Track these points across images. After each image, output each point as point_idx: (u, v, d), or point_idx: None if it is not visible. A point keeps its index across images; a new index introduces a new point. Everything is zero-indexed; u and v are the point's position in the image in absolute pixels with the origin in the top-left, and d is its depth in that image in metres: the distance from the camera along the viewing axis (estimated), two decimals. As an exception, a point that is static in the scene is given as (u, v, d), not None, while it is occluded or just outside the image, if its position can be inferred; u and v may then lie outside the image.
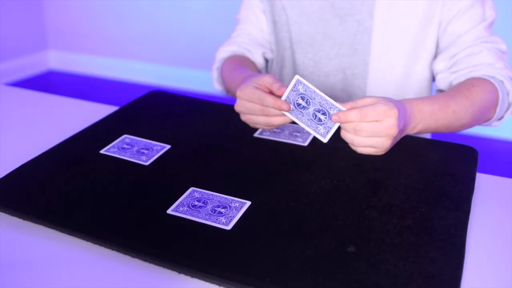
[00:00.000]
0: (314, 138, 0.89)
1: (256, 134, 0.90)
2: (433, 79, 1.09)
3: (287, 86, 0.77)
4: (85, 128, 0.93)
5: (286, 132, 0.91)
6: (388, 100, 0.74)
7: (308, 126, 0.77)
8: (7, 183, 0.75)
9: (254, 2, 1.10)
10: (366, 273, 0.57)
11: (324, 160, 0.82)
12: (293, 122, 0.80)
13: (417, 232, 0.64)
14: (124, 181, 0.76)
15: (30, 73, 3.52)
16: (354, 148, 0.77)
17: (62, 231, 0.66)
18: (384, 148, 0.76)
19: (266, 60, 1.14)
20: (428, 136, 1.13)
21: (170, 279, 0.59)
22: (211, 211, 0.68)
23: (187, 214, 0.67)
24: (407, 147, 0.86)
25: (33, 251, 0.64)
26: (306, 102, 0.76)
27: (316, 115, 0.76)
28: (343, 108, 0.75)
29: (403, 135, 0.81)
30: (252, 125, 0.85)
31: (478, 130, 2.65)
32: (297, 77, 0.76)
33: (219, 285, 0.58)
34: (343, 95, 1.06)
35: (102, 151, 0.84)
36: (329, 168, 0.79)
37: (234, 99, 0.89)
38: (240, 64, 1.03)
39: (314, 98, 0.76)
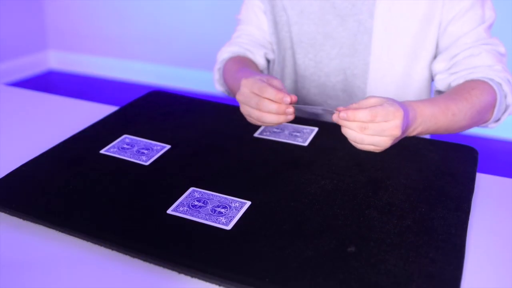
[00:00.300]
0: (314, 138, 0.89)
1: (256, 134, 0.90)
2: (432, 79, 1.09)
3: (290, 96, 0.77)
4: (85, 128, 0.93)
5: (286, 132, 0.91)
6: (393, 101, 0.74)
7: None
8: (7, 183, 0.75)
9: (255, 2, 1.10)
10: (366, 273, 0.57)
11: (324, 160, 0.82)
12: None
13: (417, 232, 0.64)
14: (124, 181, 0.76)
15: (30, 73, 3.52)
16: (354, 144, 0.76)
17: (62, 231, 0.66)
18: (384, 147, 0.75)
19: (268, 61, 1.14)
20: (428, 136, 1.13)
21: (170, 279, 0.59)
22: (211, 211, 0.68)
23: (187, 214, 0.67)
24: (407, 147, 0.86)
25: (33, 251, 0.64)
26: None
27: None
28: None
29: (403, 136, 0.80)
30: (247, 118, 0.83)
31: (478, 130, 2.65)
32: None
33: (219, 285, 0.58)
34: (344, 95, 1.06)
35: (102, 151, 0.84)
36: (329, 168, 0.79)
37: (234, 99, 0.88)
38: (243, 65, 1.02)
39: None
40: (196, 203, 0.70)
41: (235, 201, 0.70)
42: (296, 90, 1.10)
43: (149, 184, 0.75)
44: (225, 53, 1.08)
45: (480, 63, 0.93)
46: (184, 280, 0.59)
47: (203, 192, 0.72)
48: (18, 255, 0.64)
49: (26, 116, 1.06)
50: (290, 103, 0.77)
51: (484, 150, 2.46)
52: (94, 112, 1.04)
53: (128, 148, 0.85)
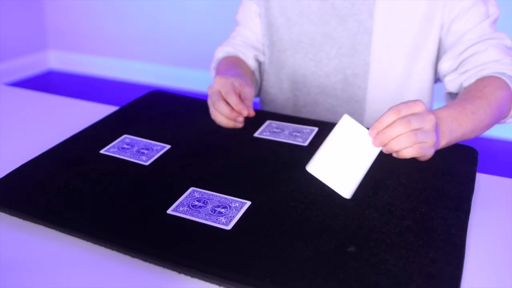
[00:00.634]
0: (314, 138, 0.89)
1: (256, 134, 0.90)
2: (436, 80, 1.09)
3: (248, 110, 0.86)
4: (85, 128, 0.93)
5: (286, 132, 0.91)
6: (412, 100, 0.72)
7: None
8: (7, 183, 0.75)
9: (252, 5, 1.12)
10: (366, 273, 0.57)
11: (324, 160, 0.82)
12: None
13: (417, 232, 0.64)
14: (124, 181, 0.76)
15: (30, 73, 3.52)
16: (406, 152, 0.69)
17: (62, 231, 0.66)
18: (433, 139, 0.70)
19: (259, 63, 1.17)
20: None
21: (170, 279, 0.59)
22: (211, 211, 0.68)
23: (187, 214, 0.67)
24: (407, 147, 0.86)
25: (33, 251, 0.64)
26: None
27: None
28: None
29: (438, 143, 0.76)
30: (210, 111, 0.91)
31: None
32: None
33: (219, 285, 0.58)
34: (344, 95, 1.06)
35: (102, 151, 0.84)
36: (329, 168, 0.79)
37: None
38: (233, 65, 1.06)
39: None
40: (196, 203, 0.70)
41: (235, 201, 0.70)
42: (296, 89, 1.10)
43: (149, 184, 0.75)
44: (220, 52, 1.13)
45: (488, 59, 0.91)
46: (184, 280, 0.59)
47: (203, 192, 0.72)
48: (18, 255, 0.64)
49: (26, 116, 1.06)
50: (247, 116, 0.86)
51: (484, 150, 2.46)
52: (94, 112, 1.04)
53: (128, 148, 0.85)
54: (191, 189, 0.73)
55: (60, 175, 0.77)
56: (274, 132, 0.91)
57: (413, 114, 0.69)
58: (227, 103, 0.86)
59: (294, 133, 0.90)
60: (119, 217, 0.67)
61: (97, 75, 3.55)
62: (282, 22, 1.07)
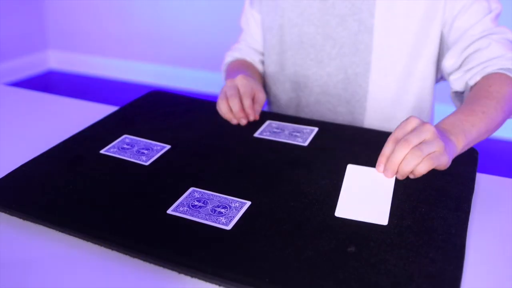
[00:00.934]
0: (314, 138, 0.89)
1: (256, 134, 0.90)
2: (439, 79, 1.09)
3: (255, 116, 0.94)
4: (85, 128, 0.93)
5: (286, 132, 0.91)
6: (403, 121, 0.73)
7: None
8: (7, 183, 0.75)
9: (253, 13, 1.16)
10: (366, 273, 0.57)
11: (324, 160, 0.82)
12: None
13: (417, 232, 0.64)
14: (124, 181, 0.76)
15: (30, 73, 3.52)
16: (420, 169, 0.68)
17: (62, 231, 0.66)
18: (441, 145, 0.69)
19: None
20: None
21: (170, 279, 0.59)
22: (211, 211, 0.68)
23: (187, 214, 0.67)
24: (407, 147, 0.86)
25: (33, 251, 0.64)
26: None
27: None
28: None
29: (450, 145, 0.74)
30: (218, 100, 0.96)
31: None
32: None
33: (219, 285, 0.58)
34: (346, 94, 1.06)
35: (102, 151, 0.84)
36: (329, 168, 0.79)
37: None
38: (243, 67, 1.14)
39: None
40: (196, 203, 0.70)
41: (235, 201, 0.70)
42: (298, 90, 1.11)
43: (149, 184, 0.75)
44: (229, 57, 1.20)
45: (492, 55, 0.91)
46: (184, 280, 0.59)
47: (203, 192, 0.72)
48: (18, 255, 0.64)
49: (26, 116, 1.06)
50: (252, 120, 0.94)
51: (484, 150, 2.46)
52: (94, 112, 1.04)
53: (128, 148, 0.85)
54: (191, 189, 0.73)
55: (60, 175, 0.77)
56: (274, 132, 0.91)
57: (410, 132, 0.69)
58: (241, 101, 0.94)
59: (294, 133, 0.90)
60: (119, 217, 0.67)
61: (97, 75, 3.55)
62: (283, 24, 1.07)
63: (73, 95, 1.87)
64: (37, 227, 0.68)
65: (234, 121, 0.94)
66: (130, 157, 0.82)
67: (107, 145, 0.86)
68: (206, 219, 0.66)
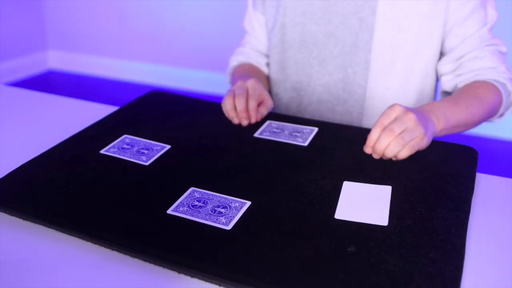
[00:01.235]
0: (314, 138, 0.89)
1: (256, 134, 0.90)
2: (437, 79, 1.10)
3: (256, 119, 0.94)
4: (85, 128, 0.93)
5: (286, 132, 0.91)
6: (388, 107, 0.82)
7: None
8: (7, 183, 0.75)
9: (257, 15, 1.16)
10: (366, 273, 0.57)
11: (324, 160, 0.82)
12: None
13: (417, 232, 0.64)
14: (124, 181, 0.76)
15: (30, 73, 3.52)
16: (402, 154, 0.79)
17: (62, 231, 0.66)
18: (421, 132, 0.79)
19: None
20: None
21: (170, 279, 0.59)
22: (211, 211, 0.68)
23: (187, 214, 0.67)
24: (407, 147, 0.86)
25: (33, 251, 0.64)
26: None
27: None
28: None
29: (431, 126, 0.84)
30: (225, 98, 0.96)
31: (478, 130, 2.65)
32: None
33: (219, 285, 0.58)
34: (344, 94, 1.06)
35: (102, 151, 0.84)
36: (329, 168, 0.79)
37: None
38: (248, 72, 1.15)
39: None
40: (196, 203, 0.70)
41: (235, 201, 0.70)
42: (300, 89, 1.11)
43: (149, 184, 0.75)
44: (234, 61, 1.21)
45: (485, 65, 0.97)
46: (184, 280, 0.59)
47: (203, 192, 0.72)
48: (18, 255, 0.64)
49: (26, 116, 1.06)
50: (253, 122, 0.94)
51: (484, 150, 2.46)
52: (94, 112, 1.04)
53: (128, 148, 0.85)
54: (191, 189, 0.73)
55: (60, 175, 0.77)
56: (274, 132, 0.91)
57: (394, 120, 0.79)
58: (247, 102, 0.94)
59: (294, 133, 0.90)
60: (119, 217, 0.67)
61: (97, 75, 3.55)
62: (284, 23, 1.07)
63: (73, 95, 1.87)
64: (37, 227, 0.68)
65: (235, 120, 0.94)
66: (130, 157, 0.82)
67: (107, 145, 0.86)
68: (206, 219, 0.66)
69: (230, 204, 0.69)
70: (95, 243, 0.64)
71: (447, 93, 1.05)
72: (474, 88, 0.96)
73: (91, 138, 0.89)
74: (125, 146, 0.86)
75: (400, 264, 0.58)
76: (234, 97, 0.94)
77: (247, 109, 0.93)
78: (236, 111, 0.94)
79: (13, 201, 0.70)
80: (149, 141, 0.87)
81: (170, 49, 3.31)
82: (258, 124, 0.94)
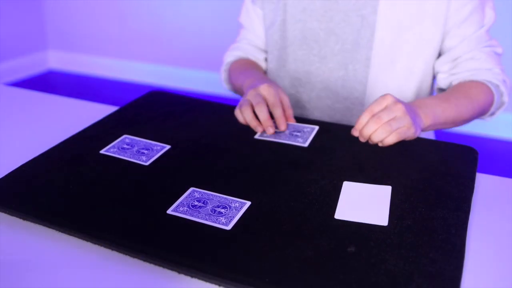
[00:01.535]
0: (315, 138, 0.89)
1: (256, 136, 0.90)
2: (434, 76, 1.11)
3: (285, 126, 0.90)
4: (85, 128, 0.93)
5: (287, 132, 0.91)
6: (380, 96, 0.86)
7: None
8: (7, 183, 0.75)
9: (255, 9, 1.15)
10: (366, 273, 0.57)
11: (324, 160, 0.82)
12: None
13: (417, 232, 0.64)
14: (124, 181, 0.76)
15: (30, 73, 3.52)
16: (387, 140, 0.83)
17: (62, 231, 0.66)
18: (409, 122, 0.83)
19: None
20: (429, 136, 1.13)
21: (170, 279, 0.59)
22: (211, 211, 0.68)
23: (187, 214, 0.67)
24: (407, 147, 0.86)
25: (33, 251, 0.64)
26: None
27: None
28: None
29: (419, 120, 0.88)
30: (239, 106, 0.94)
31: (478, 130, 2.65)
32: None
33: (219, 285, 0.58)
34: (343, 91, 1.06)
35: (102, 151, 0.84)
36: (329, 168, 0.79)
37: (235, 99, 0.94)
38: (250, 67, 1.13)
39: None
40: (196, 203, 0.70)
41: (235, 201, 0.70)
42: (299, 86, 1.11)
43: (149, 184, 0.75)
44: (230, 56, 1.18)
45: (481, 66, 0.99)
46: (184, 280, 0.59)
47: (203, 192, 0.72)
48: (18, 255, 0.64)
49: (26, 116, 1.06)
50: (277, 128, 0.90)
51: (484, 150, 2.47)
52: (94, 112, 1.04)
53: (128, 148, 0.85)
54: (191, 189, 0.73)
55: (60, 175, 0.77)
56: (275, 132, 0.91)
57: (384, 109, 0.83)
58: (269, 110, 0.91)
59: (295, 133, 0.90)
60: (119, 217, 0.67)
61: (97, 75, 3.55)
62: (285, 20, 1.07)
63: (73, 95, 1.87)
64: (37, 227, 0.68)
65: (259, 129, 0.90)
66: (130, 157, 0.82)
67: (107, 145, 0.86)
68: (206, 219, 0.66)
69: (230, 204, 0.69)
70: (95, 243, 0.64)
71: (442, 90, 1.07)
72: (467, 87, 0.98)
73: (91, 138, 0.89)
74: (125, 146, 0.86)
75: (400, 264, 0.58)
76: (252, 105, 0.91)
77: (270, 117, 0.90)
78: (258, 120, 0.90)
79: (13, 201, 0.70)
80: (149, 141, 0.87)
81: (170, 49, 3.31)
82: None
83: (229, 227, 0.65)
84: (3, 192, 0.73)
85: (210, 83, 3.16)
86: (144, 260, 0.61)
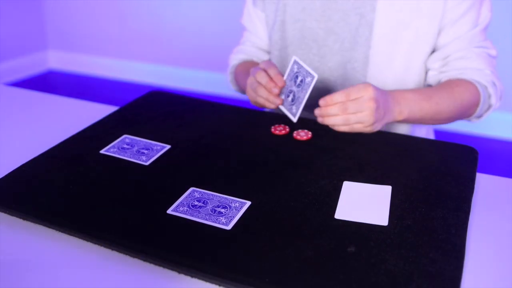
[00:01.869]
0: (315, 138, 0.89)
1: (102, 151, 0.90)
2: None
3: (277, 85, 0.92)
4: (85, 128, 0.93)
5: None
6: (363, 83, 0.86)
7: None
8: (7, 183, 0.75)
9: (257, 11, 1.15)
10: (366, 273, 0.57)
11: (324, 160, 0.82)
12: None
13: (417, 232, 0.64)
14: (124, 181, 0.76)
15: (30, 73, 3.52)
16: (342, 128, 0.86)
17: (62, 231, 0.66)
18: (371, 123, 0.85)
19: None
20: (429, 136, 1.13)
21: (170, 279, 0.59)
22: (211, 211, 0.68)
23: (187, 214, 0.67)
24: (407, 147, 0.86)
25: (33, 251, 0.64)
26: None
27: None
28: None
29: (389, 117, 0.89)
30: (250, 100, 0.99)
31: (478, 130, 2.65)
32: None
33: (219, 285, 0.58)
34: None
35: (102, 151, 0.84)
36: (329, 168, 0.79)
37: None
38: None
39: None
40: (196, 203, 0.70)
41: (235, 201, 0.70)
42: None
43: (149, 184, 0.75)
44: (234, 60, 1.20)
45: (471, 66, 0.98)
46: (184, 280, 0.59)
47: (203, 192, 0.72)
48: (18, 255, 0.64)
49: (26, 116, 1.06)
50: (280, 86, 0.92)
51: (484, 150, 2.46)
52: (94, 112, 1.04)
53: (128, 148, 0.85)
54: (191, 189, 0.73)
55: (60, 175, 0.77)
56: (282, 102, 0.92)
57: (354, 100, 0.83)
58: (268, 75, 0.93)
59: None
60: (119, 217, 0.67)
61: (97, 75, 3.55)
62: (285, 20, 1.08)
63: (73, 95, 1.87)
64: (37, 227, 0.68)
65: (268, 104, 0.94)
66: (130, 157, 0.82)
67: (107, 145, 0.86)
68: (206, 219, 0.66)
69: (230, 204, 0.69)
70: (95, 243, 0.64)
71: (430, 85, 1.06)
72: (453, 85, 0.97)
73: (91, 138, 0.89)
74: (125, 146, 0.86)
75: (400, 264, 0.58)
76: (256, 82, 0.94)
77: (271, 79, 0.93)
78: (263, 86, 0.93)
79: (13, 201, 0.70)
80: (149, 141, 0.87)
81: (170, 49, 3.31)
82: (259, 124, 0.94)
83: (229, 227, 0.65)
84: (3, 192, 0.73)
85: (210, 83, 3.16)
86: (144, 260, 0.61)
